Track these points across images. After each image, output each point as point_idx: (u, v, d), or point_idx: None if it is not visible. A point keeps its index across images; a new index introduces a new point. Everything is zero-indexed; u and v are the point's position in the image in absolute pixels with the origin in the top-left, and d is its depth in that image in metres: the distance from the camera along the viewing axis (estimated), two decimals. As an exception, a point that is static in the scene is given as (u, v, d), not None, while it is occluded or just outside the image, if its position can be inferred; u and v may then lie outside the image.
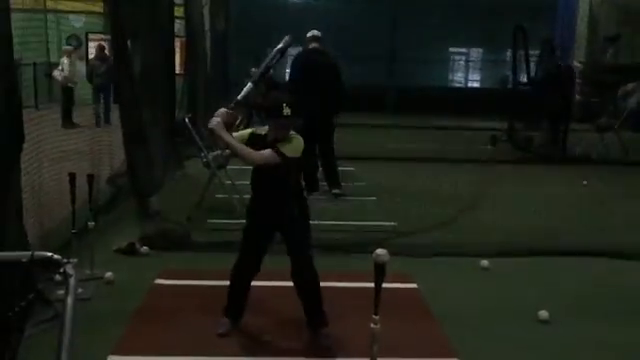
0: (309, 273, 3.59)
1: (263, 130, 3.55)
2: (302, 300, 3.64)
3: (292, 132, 3.52)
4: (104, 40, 13.54)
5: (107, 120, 12.90)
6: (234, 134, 3.54)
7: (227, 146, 3.53)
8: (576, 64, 15.29)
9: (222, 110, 3.56)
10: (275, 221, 3.62)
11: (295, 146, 3.48)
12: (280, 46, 4.05)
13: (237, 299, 3.72)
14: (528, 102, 12.43)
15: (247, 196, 6.71)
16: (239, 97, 3.76)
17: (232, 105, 3.66)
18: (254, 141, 3.51)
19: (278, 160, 3.40)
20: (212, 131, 3.47)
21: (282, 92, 3.61)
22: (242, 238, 3.69)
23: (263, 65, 4.00)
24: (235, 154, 3.55)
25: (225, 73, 17.01)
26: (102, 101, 13.93)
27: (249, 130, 3.63)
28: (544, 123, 11.88)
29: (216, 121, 3.46)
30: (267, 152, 3.41)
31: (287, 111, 3.39)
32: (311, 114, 7.20)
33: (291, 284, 3.64)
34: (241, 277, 3.69)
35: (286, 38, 4.13)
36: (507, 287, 4.69)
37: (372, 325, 2.74)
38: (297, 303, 3.85)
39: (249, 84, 3.84)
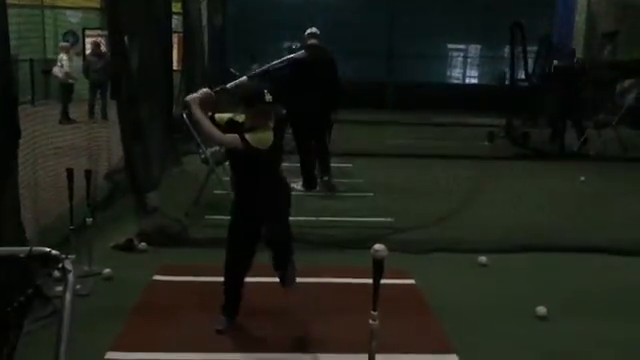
0: (283, 241, 3.64)
1: (241, 117, 3.54)
2: (274, 253, 3.67)
3: (270, 124, 3.49)
4: (101, 36, 13.51)
5: (104, 116, 12.88)
6: (216, 115, 3.55)
7: (196, 121, 3.51)
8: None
9: (204, 89, 3.59)
10: (254, 211, 3.60)
11: (262, 138, 3.42)
12: (291, 56, 4.11)
13: (232, 297, 3.72)
14: (534, 98, 12.46)
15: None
16: (229, 85, 3.79)
17: (217, 89, 3.68)
18: (231, 127, 3.50)
19: (240, 146, 3.37)
20: (186, 104, 3.50)
21: (263, 82, 3.61)
22: (227, 235, 3.69)
23: (266, 66, 4.03)
24: (202, 131, 3.55)
25: (223, 69, 16.97)
26: (99, 97, 13.92)
27: (229, 115, 3.61)
28: (547, 120, 11.90)
29: (194, 96, 3.49)
30: (231, 136, 3.41)
31: (268, 97, 3.39)
32: (310, 111, 7.29)
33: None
34: (233, 275, 3.68)
35: (302, 52, 4.22)
36: (505, 283, 4.69)
37: (370, 321, 2.73)
38: (294, 301, 3.86)
39: (244, 77, 3.87)
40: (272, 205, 3.61)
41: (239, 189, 3.67)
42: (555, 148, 11.15)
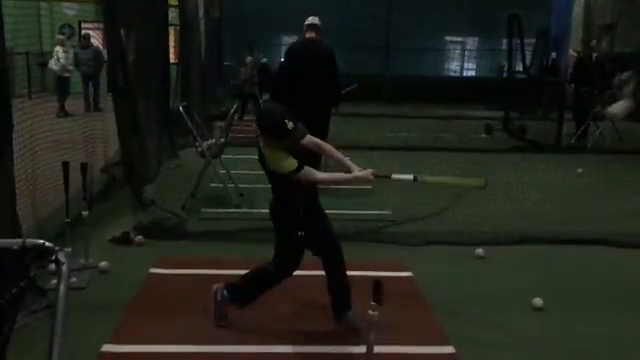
0: (342, 265, 3.61)
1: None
2: (332, 289, 3.65)
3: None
4: (96, 29, 13.48)
5: (97, 108, 12.88)
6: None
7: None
8: (572, 52, 15.27)
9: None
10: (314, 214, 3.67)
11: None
12: None
13: (260, 295, 3.69)
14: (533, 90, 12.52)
15: (242, 185, 6.73)
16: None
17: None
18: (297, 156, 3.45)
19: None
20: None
21: (274, 107, 3.58)
22: (297, 247, 3.55)
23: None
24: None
25: (219, 61, 16.94)
26: (92, 88, 13.95)
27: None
28: (573, 114, 11.91)
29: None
30: (320, 143, 3.62)
31: (290, 125, 3.31)
32: (310, 111, 7.13)
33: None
34: (284, 279, 3.63)
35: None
36: (502, 275, 4.70)
37: (370, 311, 2.73)
38: (292, 293, 3.85)
39: None
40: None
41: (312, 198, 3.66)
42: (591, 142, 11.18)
